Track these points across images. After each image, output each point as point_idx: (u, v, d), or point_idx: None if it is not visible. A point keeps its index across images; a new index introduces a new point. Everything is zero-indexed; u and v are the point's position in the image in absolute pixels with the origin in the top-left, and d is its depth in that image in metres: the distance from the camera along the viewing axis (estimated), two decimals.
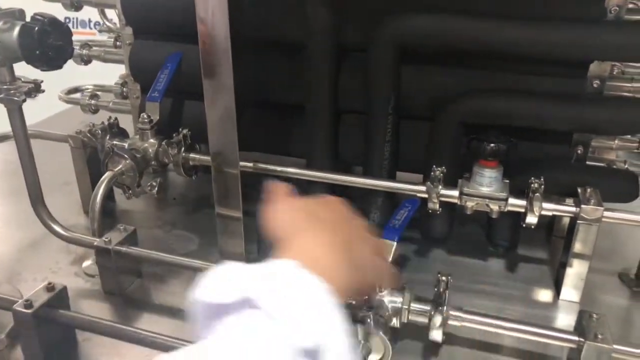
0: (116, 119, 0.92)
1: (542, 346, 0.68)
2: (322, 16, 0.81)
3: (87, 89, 1.20)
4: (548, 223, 0.91)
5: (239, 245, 0.81)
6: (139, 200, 0.92)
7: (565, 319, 0.75)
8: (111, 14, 1.29)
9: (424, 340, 0.66)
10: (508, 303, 0.77)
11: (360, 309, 0.61)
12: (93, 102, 1.12)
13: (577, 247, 0.74)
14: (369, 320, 0.59)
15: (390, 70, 0.81)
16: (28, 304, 0.62)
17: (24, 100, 0.69)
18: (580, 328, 0.61)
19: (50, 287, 0.65)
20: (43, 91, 0.71)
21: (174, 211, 1.00)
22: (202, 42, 0.69)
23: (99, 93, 1.16)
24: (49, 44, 0.65)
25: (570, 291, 0.77)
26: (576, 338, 0.61)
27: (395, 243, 0.68)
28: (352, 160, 0.94)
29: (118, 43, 1.12)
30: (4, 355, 0.66)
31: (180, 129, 0.88)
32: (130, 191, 0.86)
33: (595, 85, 0.79)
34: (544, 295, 0.80)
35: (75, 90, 1.20)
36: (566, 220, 0.90)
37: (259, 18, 0.86)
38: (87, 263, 0.84)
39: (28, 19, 0.67)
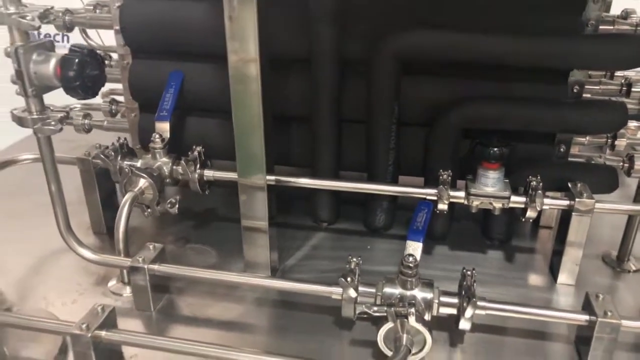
0: (125, 139, 0.94)
1: (543, 325, 0.76)
2: (325, 33, 0.87)
3: (76, 107, 1.20)
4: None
5: (265, 256, 0.85)
6: (141, 218, 0.94)
7: (566, 300, 0.84)
8: (92, 34, 1.30)
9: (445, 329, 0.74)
10: (511, 289, 0.86)
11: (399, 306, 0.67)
12: (87, 121, 1.12)
13: (572, 236, 0.84)
14: (411, 316, 0.66)
15: (394, 81, 0.87)
16: (86, 327, 0.64)
17: (60, 129, 0.71)
18: (589, 308, 0.70)
19: (102, 309, 0.67)
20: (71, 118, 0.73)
21: (183, 226, 1.02)
22: (232, 60, 0.73)
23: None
24: (87, 74, 0.67)
25: (567, 275, 0.87)
26: (587, 317, 0.69)
27: (421, 244, 0.74)
28: (352, 167, 1.00)
29: (111, 63, 1.14)
30: None
31: (194, 147, 0.91)
32: (150, 210, 0.88)
33: (575, 90, 0.89)
34: (542, 280, 0.89)
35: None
36: (551, 213, 1.00)
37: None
38: (112, 283, 0.85)
39: None
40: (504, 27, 0.84)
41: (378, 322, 0.69)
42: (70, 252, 0.85)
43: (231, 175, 0.85)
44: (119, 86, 1.09)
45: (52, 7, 0.71)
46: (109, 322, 0.67)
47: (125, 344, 0.68)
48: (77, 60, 0.66)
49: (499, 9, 0.85)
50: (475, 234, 0.99)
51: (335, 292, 0.72)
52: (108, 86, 1.11)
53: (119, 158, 0.91)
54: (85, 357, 0.65)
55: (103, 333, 0.66)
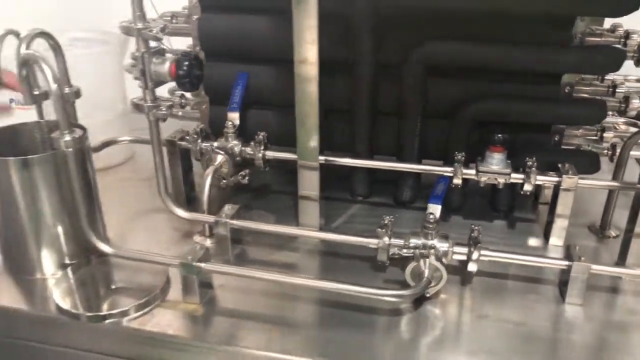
0: (204, 126, 1.17)
1: (536, 272, 0.98)
2: (365, 42, 1.09)
3: None
4: (535, 193, 1.22)
5: (315, 220, 1.09)
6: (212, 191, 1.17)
7: (555, 255, 1.05)
8: None
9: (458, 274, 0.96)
10: (511, 249, 1.07)
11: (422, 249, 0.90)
12: (168, 112, 1.36)
13: (560, 208, 1.05)
14: (432, 256, 0.88)
15: (421, 82, 1.10)
16: (191, 258, 0.88)
17: (169, 115, 0.95)
18: (569, 255, 0.92)
19: (200, 247, 0.91)
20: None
21: (244, 197, 1.26)
22: (297, 61, 0.96)
23: None
24: (193, 73, 0.91)
25: (556, 239, 1.08)
26: (566, 262, 0.91)
27: (439, 206, 0.97)
28: (384, 151, 1.22)
29: None
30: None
31: (258, 132, 1.14)
32: (225, 180, 1.12)
33: (567, 90, 1.11)
34: (537, 242, 1.11)
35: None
36: (549, 191, 1.21)
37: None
38: (197, 236, 1.09)
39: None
40: (508, 39, 1.06)
41: (404, 265, 0.92)
42: (161, 214, 1.11)
43: (287, 156, 1.09)
44: None
45: (167, 23, 0.94)
46: (206, 257, 0.91)
47: (219, 273, 0.91)
48: (187, 62, 0.90)
49: (505, 25, 1.07)
50: (484, 207, 1.21)
51: (372, 242, 0.95)
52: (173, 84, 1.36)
53: (199, 141, 1.15)
54: (190, 281, 0.89)
55: (202, 264, 0.89)
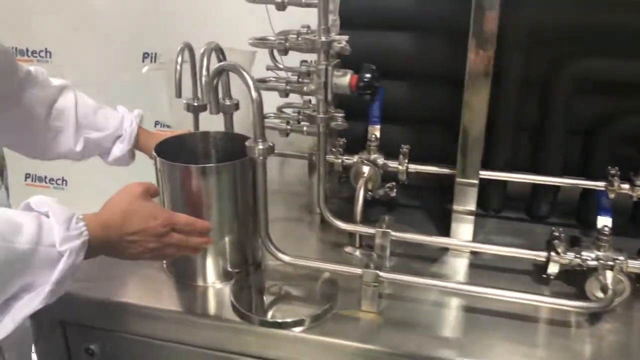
0: (344, 139, 1.19)
1: None
2: (515, 59, 1.11)
3: (270, 115, 1.46)
4: None
5: (469, 236, 1.10)
6: None
7: None
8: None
9: None
10: None
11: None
12: (289, 127, 1.38)
13: None
14: (615, 268, 0.88)
15: (569, 98, 1.11)
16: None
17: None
18: None
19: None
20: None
21: (374, 211, 1.26)
22: (468, 81, 0.97)
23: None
24: (374, 86, 0.93)
25: None
26: None
27: (610, 218, 0.97)
28: (522, 165, 1.22)
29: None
30: None
31: (402, 146, 1.16)
32: (371, 192, 1.13)
33: None
34: None
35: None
36: None
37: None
38: (347, 248, 1.10)
39: None
40: None
41: (572, 278, 0.93)
42: (301, 223, 1.14)
43: (438, 170, 1.11)
44: (290, 99, 1.33)
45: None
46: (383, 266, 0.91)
47: (402, 282, 0.92)
48: (369, 74, 0.92)
49: None
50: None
51: (541, 255, 0.95)
52: (283, 100, 1.38)
53: (339, 154, 1.17)
54: (370, 290, 0.89)
55: (385, 274, 0.90)
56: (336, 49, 0.91)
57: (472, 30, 0.95)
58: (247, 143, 0.87)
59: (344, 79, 0.94)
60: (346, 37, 0.92)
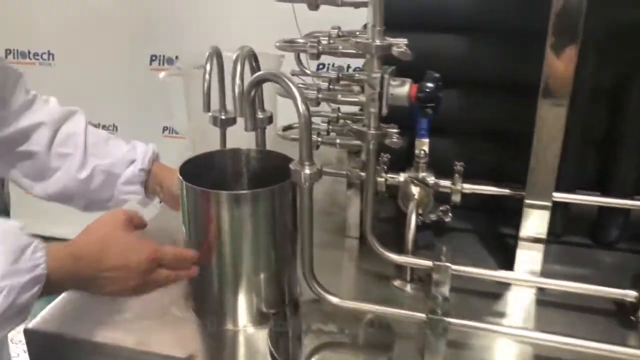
0: (387, 155, 1.05)
1: None
2: (587, 66, 0.97)
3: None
4: None
5: (538, 265, 0.95)
6: None
7: None
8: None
9: None
10: None
11: None
12: (319, 139, 1.24)
13: None
14: None
15: None
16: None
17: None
18: None
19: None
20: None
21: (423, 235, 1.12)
22: (544, 90, 0.84)
23: None
24: (437, 96, 0.79)
25: None
26: None
27: None
28: (587, 183, 1.08)
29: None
30: None
31: (456, 163, 1.01)
32: (421, 216, 0.99)
33: None
34: None
35: (289, 127, 1.32)
36: None
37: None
38: (397, 281, 0.96)
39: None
40: None
41: None
42: (338, 250, 1.02)
43: (499, 190, 0.97)
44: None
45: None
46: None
47: (473, 329, 0.78)
48: (431, 84, 0.78)
49: None
50: None
51: (630, 295, 0.81)
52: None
53: (384, 171, 1.03)
54: (435, 339, 0.75)
55: (452, 319, 0.76)
56: (394, 54, 0.77)
57: (551, 28, 0.80)
58: (291, 166, 0.73)
59: (402, 89, 0.79)
60: (405, 40, 0.78)
